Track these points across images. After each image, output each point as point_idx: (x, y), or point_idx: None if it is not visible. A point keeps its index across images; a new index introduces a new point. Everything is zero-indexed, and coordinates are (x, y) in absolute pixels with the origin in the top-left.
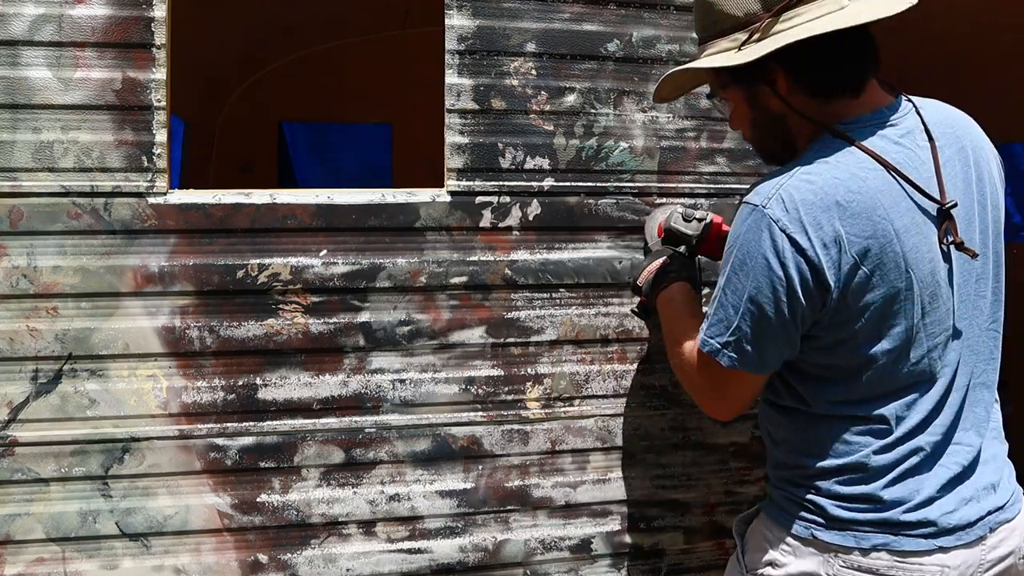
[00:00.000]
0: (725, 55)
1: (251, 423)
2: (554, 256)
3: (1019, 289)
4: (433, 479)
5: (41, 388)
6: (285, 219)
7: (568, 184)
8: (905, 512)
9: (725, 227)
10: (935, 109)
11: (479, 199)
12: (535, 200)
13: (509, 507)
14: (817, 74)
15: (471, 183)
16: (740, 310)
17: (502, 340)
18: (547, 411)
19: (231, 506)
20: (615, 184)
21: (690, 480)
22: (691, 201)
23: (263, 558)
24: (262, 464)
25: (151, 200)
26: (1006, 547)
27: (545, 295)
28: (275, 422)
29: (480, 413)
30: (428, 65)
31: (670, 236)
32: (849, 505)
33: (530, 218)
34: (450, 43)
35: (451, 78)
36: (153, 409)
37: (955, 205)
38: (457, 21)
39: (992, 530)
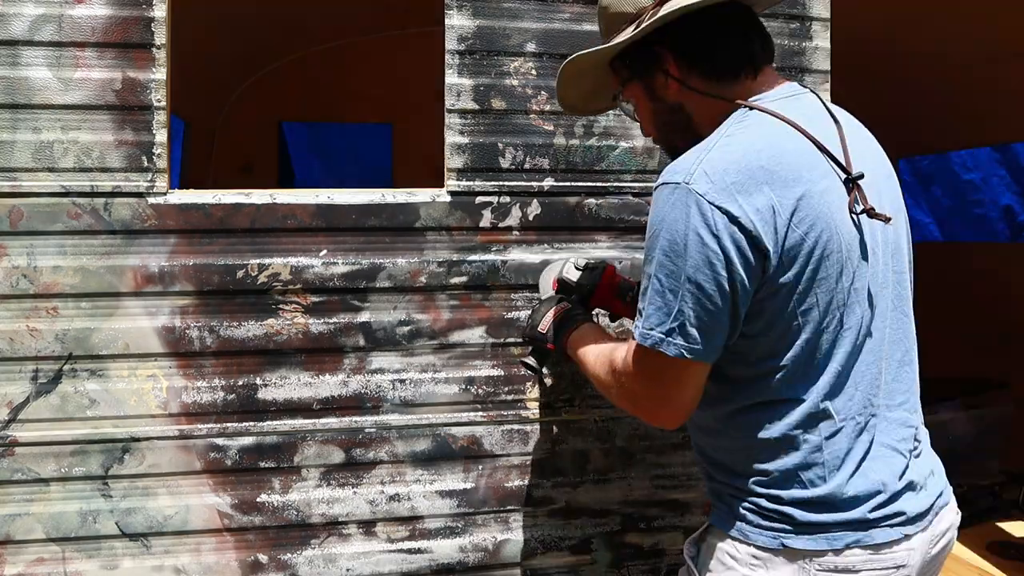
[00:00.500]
0: (610, 43)
1: (251, 423)
2: (554, 256)
3: (1020, 288)
4: (433, 479)
5: (41, 388)
6: (285, 219)
7: (568, 184)
8: (872, 510)
9: (618, 276)
10: (826, 98)
11: (479, 199)
12: (535, 200)
13: (509, 507)
14: (707, 53)
15: (471, 183)
16: (679, 293)
17: (502, 340)
18: (547, 411)
19: (231, 506)
20: (615, 184)
21: (690, 480)
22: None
23: (263, 558)
24: (262, 464)
25: (151, 200)
26: (946, 521)
27: None
28: (275, 422)
29: (480, 413)
30: (428, 65)
31: (563, 287)
32: (815, 508)
33: (530, 218)
34: (450, 43)
35: (451, 78)
36: (153, 409)
37: (862, 176)
38: (457, 21)
39: (937, 513)
